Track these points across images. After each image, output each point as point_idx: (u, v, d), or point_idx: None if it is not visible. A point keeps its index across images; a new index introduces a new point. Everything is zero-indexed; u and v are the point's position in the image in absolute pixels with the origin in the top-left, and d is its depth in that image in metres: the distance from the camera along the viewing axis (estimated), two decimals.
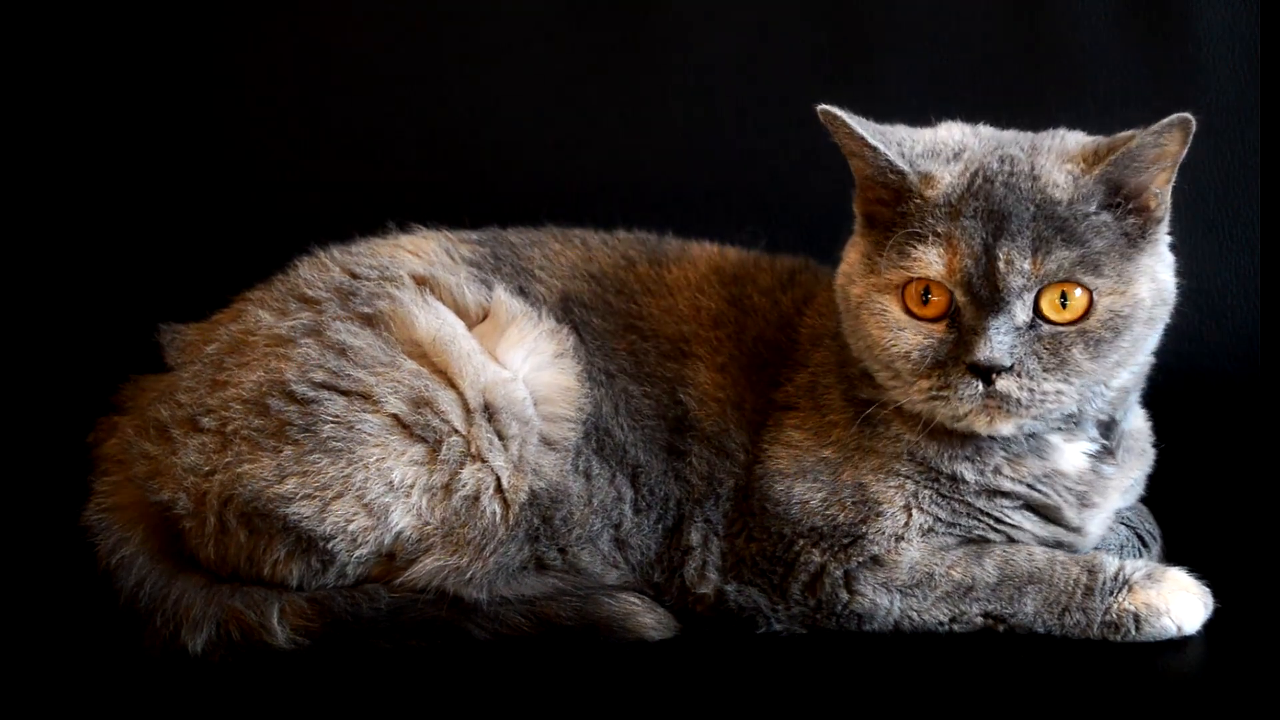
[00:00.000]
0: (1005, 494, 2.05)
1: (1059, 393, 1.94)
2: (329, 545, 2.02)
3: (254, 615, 2.02)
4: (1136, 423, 2.17)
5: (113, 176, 2.95)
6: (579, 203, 2.56)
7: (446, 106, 2.95)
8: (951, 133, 2.07)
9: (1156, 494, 2.26)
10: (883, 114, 2.10)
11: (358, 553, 2.03)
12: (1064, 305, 1.93)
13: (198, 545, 2.06)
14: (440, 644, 2.05)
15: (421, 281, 2.15)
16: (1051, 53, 2.82)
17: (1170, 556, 2.18)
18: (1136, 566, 2.03)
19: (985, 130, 2.08)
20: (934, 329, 1.96)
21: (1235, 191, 2.77)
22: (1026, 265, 1.91)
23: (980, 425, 1.97)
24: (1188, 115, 1.91)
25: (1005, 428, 1.98)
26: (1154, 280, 1.98)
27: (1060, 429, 2.04)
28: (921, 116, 2.11)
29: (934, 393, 1.96)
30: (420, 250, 2.23)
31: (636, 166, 2.91)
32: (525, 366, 2.11)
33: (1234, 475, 2.58)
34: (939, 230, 1.95)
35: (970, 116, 2.13)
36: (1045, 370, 1.93)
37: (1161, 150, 1.94)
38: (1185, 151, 1.95)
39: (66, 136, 2.95)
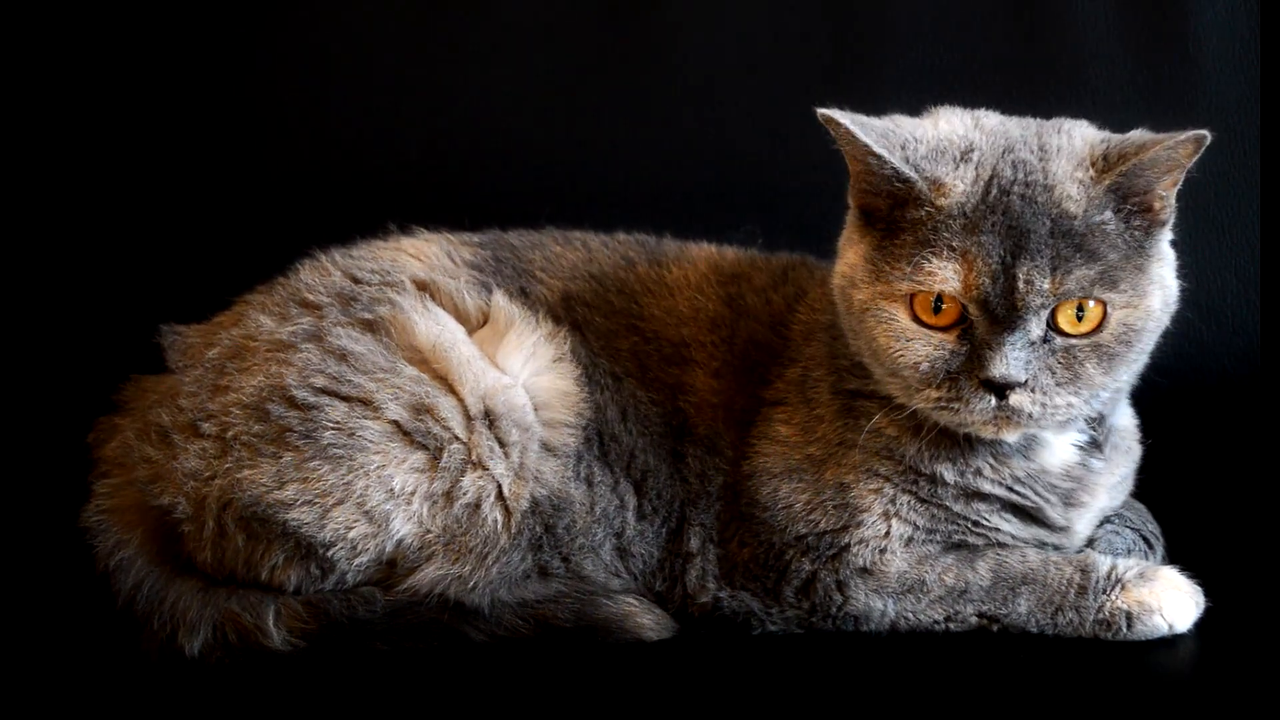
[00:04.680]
0: (983, 496, 2.04)
1: (1070, 405, 1.92)
2: (328, 553, 2.01)
3: (250, 617, 2.02)
4: (1124, 420, 2.15)
5: (113, 177, 2.95)
6: (578, 203, 2.56)
7: (447, 107, 2.95)
8: (954, 126, 2.01)
9: (1156, 494, 2.26)
10: (882, 113, 2.08)
11: (357, 560, 2.02)
12: (1080, 318, 1.90)
13: (195, 549, 2.06)
14: (437, 646, 2.04)
15: (422, 286, 2.15)
16: (1051, 53, 2.82)
17: (1169, 555, 2.18)
18: (1129, 565, 2.03)
19: (988, 120, 2.03)
20: (945, 338, 1.93)
21: (1235, 191, 2.76)
22: (1046, 285, 1.87)
23: (987, 433, 1.97)
24: (1204, 132, 1.88)
25: (1012, 436, 1.99)
26: (1163, 288, 1.96)
27: None
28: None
29: (943, 403, 1.94)
30: (421, 254, 2.23)
31: (636, 167, 2.90)
32: (525, 372, 2.11)
33: (1234, 475, 2.58)
34: (954, 245, 1.90)
35: None
36: (1058, 384, 1.91)
37: (1173, 162, 1.91)
38: (1194, 161, 1.92)
39: (68, 136, 2.95)
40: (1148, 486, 2.24)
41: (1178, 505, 2.31)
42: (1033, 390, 1.90)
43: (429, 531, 2.02)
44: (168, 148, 2.96)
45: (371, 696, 1.93)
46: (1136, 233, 1.93)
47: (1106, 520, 2.16)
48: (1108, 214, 1.91)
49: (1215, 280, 2.76)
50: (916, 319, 1.94)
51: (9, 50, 2.92)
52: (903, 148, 1.95)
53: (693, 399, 2.15)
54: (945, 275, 1.90)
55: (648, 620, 2.08)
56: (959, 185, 1.93)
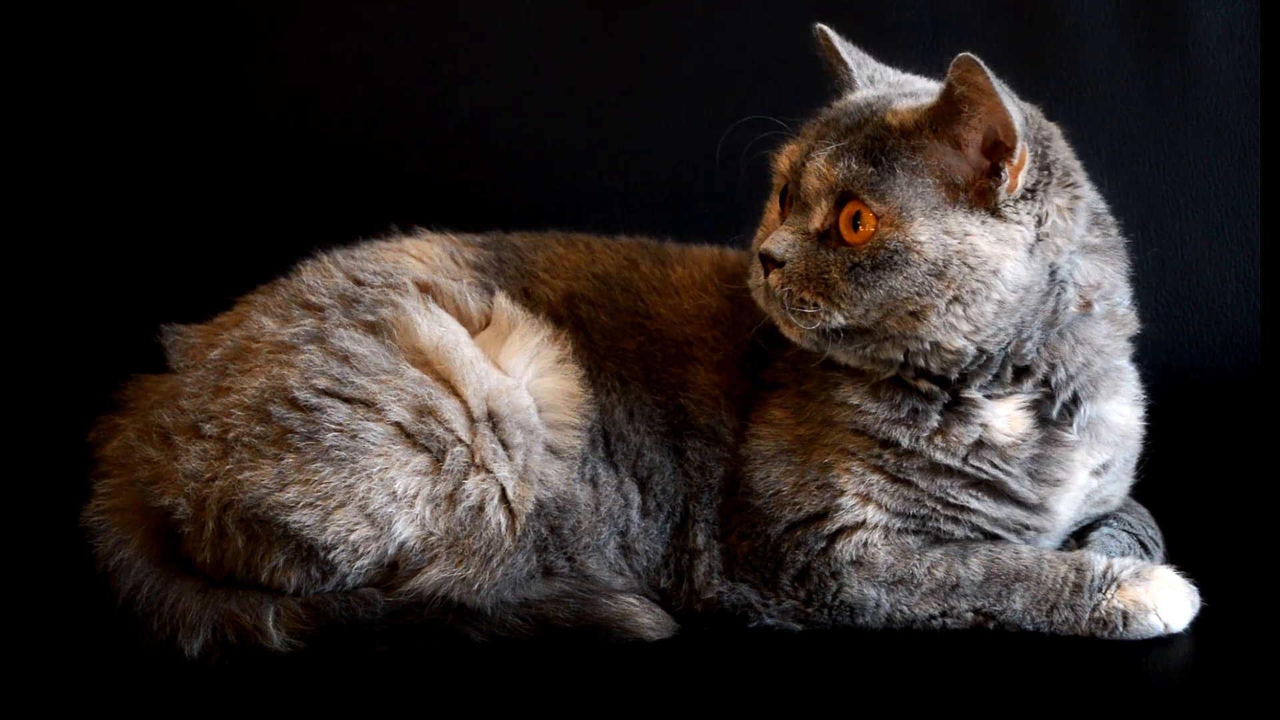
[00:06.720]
0: (947, 470, 2.04)
1: (816, 306, 1.97)
2: (330, 555, 2.01)
3: (250, 618, 2.02)
4: (1113, 414, 2.12)
5: (114, 177, 2.96)
6: (579, 204, 2.56)
7: (447, 107, 2.95)
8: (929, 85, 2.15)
9: (1156, 494, 2.27)
10: None
11: (359, 563, 2.02)
12: (855, 228, 1.96)
13: (195, 550, 2.06)
14: (438, 647, 2.04)
15: (424, 288, 2.15)
16: (1051, 53, 2.82)
17: (1169, 556, 2.19)
18: (1125, 564, 2.03)
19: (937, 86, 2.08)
20: (775, 220, 2.08)
21: (1235, 191, 2.76)
22: (822, 166, 1.98)
23: (777, 319, 2.02)
24: (967, 54, 1.88)
25: (791, 332, 2.02)
26: (951, 235, 1.93)
27: (966, 380, 2.02)
28: None
29: (749, 281, 2.06)
30: (424, 255, 2.23)
31: (636, 168, 2.91)
32: (528, 373, 2.11)
33: (1233, 475, 2.58)
34: (800, 132, 2.09)
35: None
36: (806, 279, 1.97)
37: (964, 94, 1.91)
38: (1014, 122, 1.90)
39: (68, 137, 2.96)
40: (1148, 486, 2.24)
41: (1177, 505, 2.31)
42: (787, 275, 1.98)
43: (431, 534, 2.02)
44: (169, 148, 2.96)
45: (371, 697, 1.93)
46: (974, 186, 1.95)
47: (1104, 523, 2.16)
48: (939, 145, 1.95)
49: (1215, 280, 2.75)
50: (780, 210, 2.09)
51: (10, 51, 2.93)
52: (860, 65, 2.18)
53: (694, 395, 2.15)
54: (782, 157, 2.09)
55: (648, 620, 2.09)
56: (855, 98, 2.10)
